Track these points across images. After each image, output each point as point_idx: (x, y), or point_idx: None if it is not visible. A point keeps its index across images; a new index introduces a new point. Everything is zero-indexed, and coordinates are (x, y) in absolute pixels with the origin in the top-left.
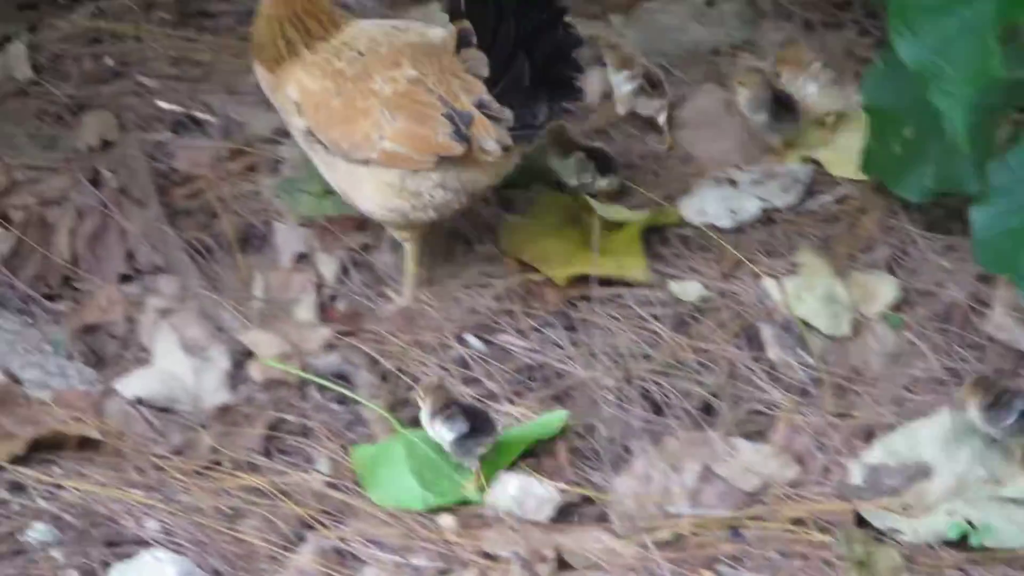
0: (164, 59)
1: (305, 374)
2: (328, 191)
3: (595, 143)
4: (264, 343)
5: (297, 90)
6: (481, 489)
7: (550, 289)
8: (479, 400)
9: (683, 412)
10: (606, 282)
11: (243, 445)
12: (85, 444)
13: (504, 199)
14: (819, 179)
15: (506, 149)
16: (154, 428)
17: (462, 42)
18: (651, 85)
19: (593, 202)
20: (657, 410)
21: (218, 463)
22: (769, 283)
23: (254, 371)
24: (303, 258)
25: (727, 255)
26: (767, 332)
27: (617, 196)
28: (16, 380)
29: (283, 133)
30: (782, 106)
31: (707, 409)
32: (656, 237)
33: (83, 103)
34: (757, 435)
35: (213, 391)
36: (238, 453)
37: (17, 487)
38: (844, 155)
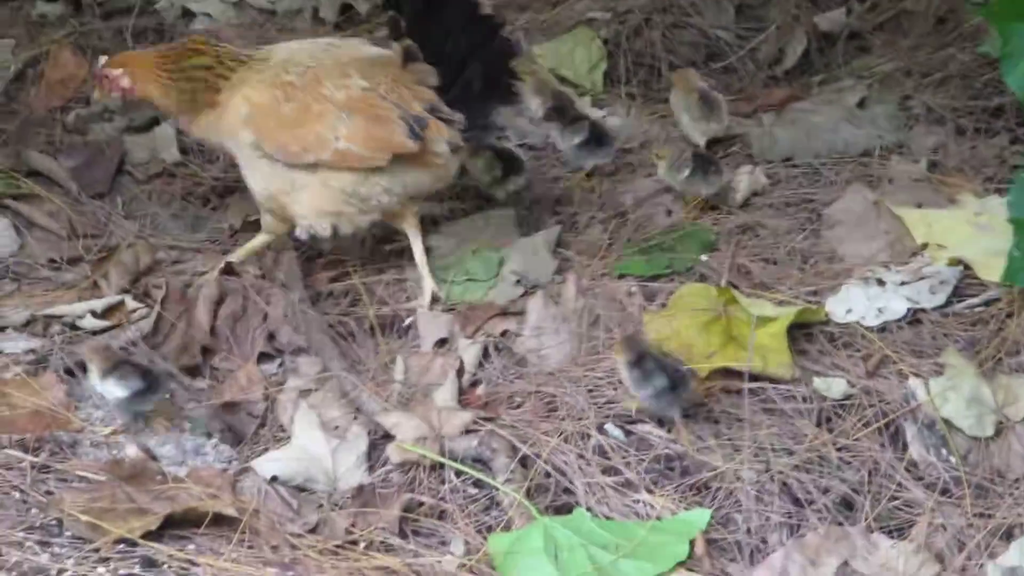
0: None
1: (442, 458)
2: (470, 278)
3: (505, 145)
4: (403, 425)
5: (246, 104)
6: None
7: (692, 381)
8: (616, 489)
9: (823, 507)
10: (750, 376)
11: (378, 526)
12: (220, 521)
13: (647, 292)
14: (967, 281)
15: (455, 150)
16: (290, 507)
17: (408, 57)
18: None
19: (741, 297)
20: (797, 504)
21: (353, 543)
22: (914, 382)
23: (392, 453)
24: (444, 343)
25: (872, 353)
26: (910, 431)
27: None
28: (153, 456)
29: (431, 221)
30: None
31: (847, 505)
32: (801, 333)
33: (228, 186)
34: (897, 532)
35: (350, 471)
36: (373, 534)
37: (150, 563)
38: (993, 258)
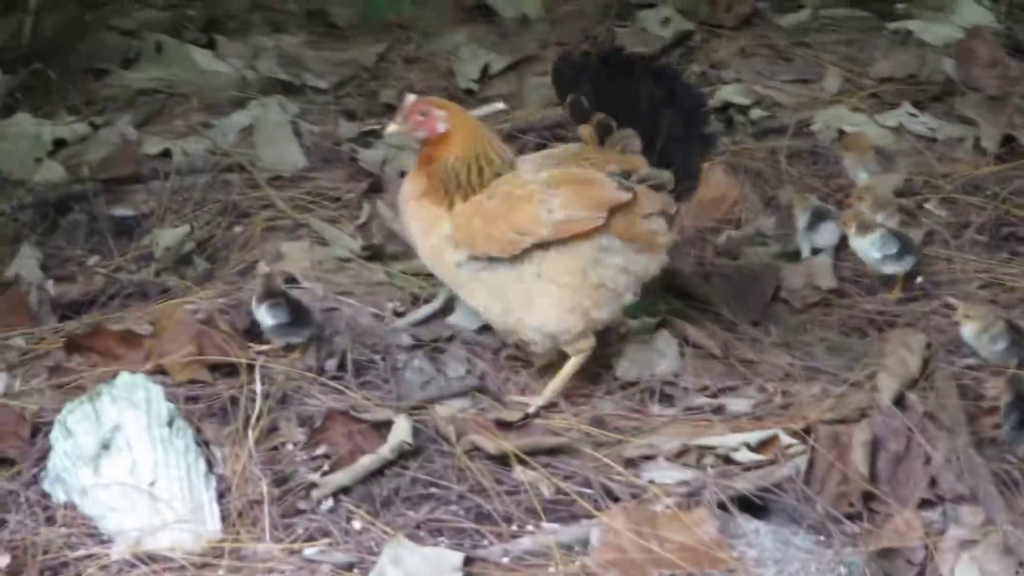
0: (975, 282)
1: None
2: None
3: None
4: None
5: (449, 224)
6: None
7: None
8: None
9: None
10: None
11: None
12: None
13: None
14: None
15: (670, 219)
16: None
17: (603, 132)
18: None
19: None
20: None
21: None
22: None
23: None
24: None
25: None
26: None
27: None
28: None
29: None
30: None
31: None
32: None
33: (888, 319)
34: None
35: None
36: None
37: None
38: None
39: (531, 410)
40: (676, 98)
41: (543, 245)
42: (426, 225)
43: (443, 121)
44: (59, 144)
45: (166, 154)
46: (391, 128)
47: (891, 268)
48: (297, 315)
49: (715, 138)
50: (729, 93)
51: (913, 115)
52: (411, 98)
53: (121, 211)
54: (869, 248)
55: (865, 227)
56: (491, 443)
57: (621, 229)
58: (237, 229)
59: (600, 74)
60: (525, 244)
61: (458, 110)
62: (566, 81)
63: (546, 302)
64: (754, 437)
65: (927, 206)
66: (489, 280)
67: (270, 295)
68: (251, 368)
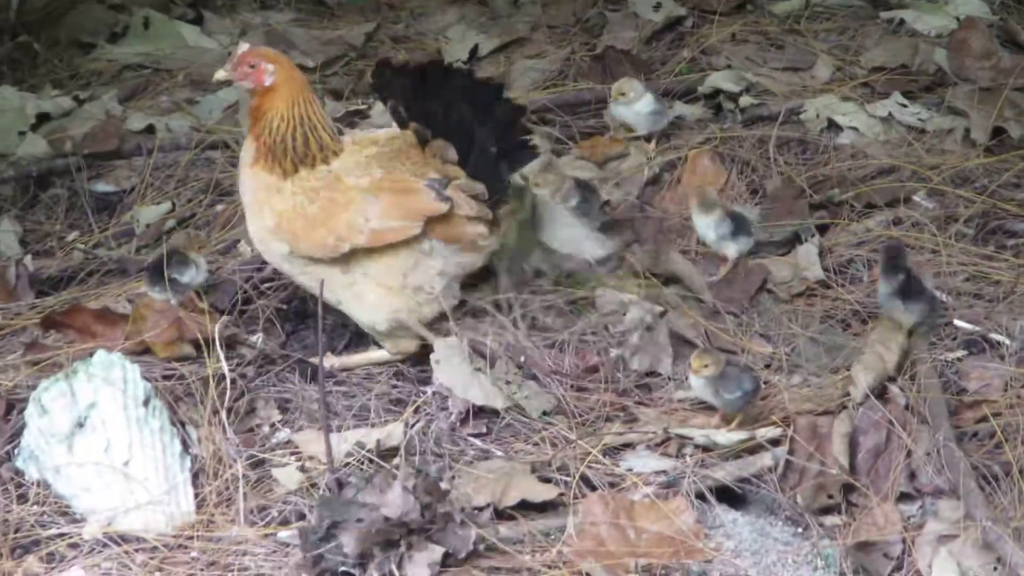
0: (961, 275)
1: None
2: None
3: None
4: None
5: (272, 215)
6: None
7: None
8: None
9: None
10: None
11: None
12: None
13: None
14: None
15: (490, 224)
16: None
17: (421, 139)
18: None
19: None
20: None
21: None
22: None
23: None
24: None
25: None
26: None
27: None
28: None
29: None
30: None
31: None
32: None
33: (872, 311)
34: None
35: None
36: None
37: None
38: None
39: (326, 365)
40: (491, 114)
41: (365, 249)
42: (258, 199)
43: (270, 75)
44: (42, 118)
45: (150, 130)
46: (219, 74)
47: (729, 249)
48: None
49: (528, 154)
50: (719, 79)
51: (903, 105)
52: (243, 47)
53: (103, 187)
54: (707, 228)
55: (706, 207)
56: None
57: (442, 232)
58: (219, 207)
59: (417, 85)
60: (343, 249)
61: (290, 66)
62: (383, 87)
63: (371, 299)
64: (734, 436)
65: (915, 197)
66: (316, 273)
67: None
68: (230, 347)
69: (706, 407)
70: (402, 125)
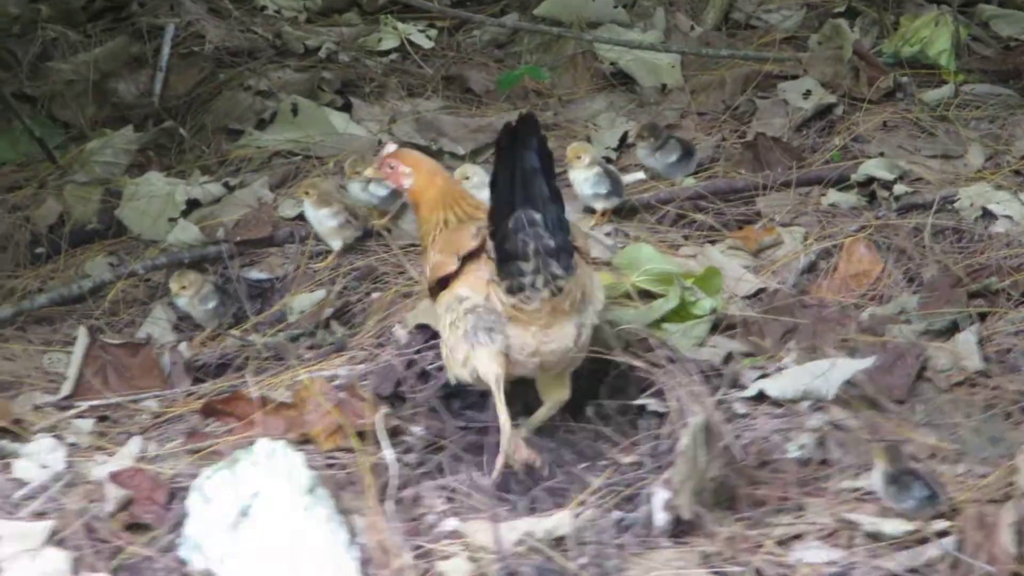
0: None
1: None
2: None
3: None
4: None
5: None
6: None
7: None
8: None
9: None
10: None
11: None
12: None
13: None
14: None
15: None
16: None
17: None
18: None
19: None
20: None
21: None
22: None
23: None
24: None
25: None
26: None
27: None
28: None
29: None
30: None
31: None
32: None
33: None
34: None
35: None
36: None
37: None
38: None
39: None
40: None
41: None
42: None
43: (408, 178)
44: (192, 204)
45: (302, 217)
46: (367, 171)
47: (599, 204)
48: None
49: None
50: (872, 167)
51: None
52: (389, 147)
53: (256, 274)
54: (584, 183)
55: (585, 163)
56: None
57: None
58: (374, 295)
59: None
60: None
61: (428, 171)
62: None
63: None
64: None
65: None
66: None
67: None
68: (394, 435)
69: (873, 496)
70: None
